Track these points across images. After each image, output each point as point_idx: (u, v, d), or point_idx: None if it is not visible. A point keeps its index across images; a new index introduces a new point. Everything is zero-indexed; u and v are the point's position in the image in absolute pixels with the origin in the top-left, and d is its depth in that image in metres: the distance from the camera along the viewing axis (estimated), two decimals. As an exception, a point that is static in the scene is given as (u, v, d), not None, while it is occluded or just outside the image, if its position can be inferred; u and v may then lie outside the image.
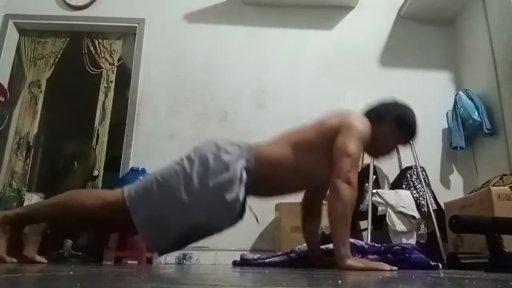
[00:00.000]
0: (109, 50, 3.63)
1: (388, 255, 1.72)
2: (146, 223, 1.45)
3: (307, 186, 1.77)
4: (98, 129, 3.39)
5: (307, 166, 1.58)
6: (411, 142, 1.79)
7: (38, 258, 1.59)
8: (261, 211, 2.87)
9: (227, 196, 1.46)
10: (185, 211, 1.46)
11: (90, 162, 3.13)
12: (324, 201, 1.81)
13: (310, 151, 1.58)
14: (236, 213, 1.52)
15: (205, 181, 1.47)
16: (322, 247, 1.84)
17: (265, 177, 1.57)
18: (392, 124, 1.66)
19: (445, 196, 2.97)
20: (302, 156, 1.58)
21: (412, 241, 2.59)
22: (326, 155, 1.54)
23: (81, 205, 1.51)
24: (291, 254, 2.00)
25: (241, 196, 1.50)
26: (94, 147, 3.30)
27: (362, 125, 1.57)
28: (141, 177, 1.65)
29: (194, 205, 1.46)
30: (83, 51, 3.61)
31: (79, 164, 3.05)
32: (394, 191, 2.87)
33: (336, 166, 1.49)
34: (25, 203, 3.19)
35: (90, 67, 3.58)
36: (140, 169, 3.05)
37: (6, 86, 3.41)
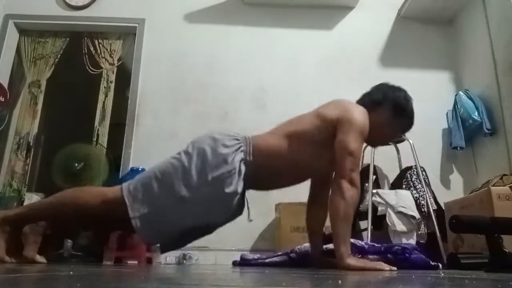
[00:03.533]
0: (109, 50, 3.63)
1: (388, 255, 1.72)
2: (143, 219, 1.44)
3: (307, 177, 1.76)
4: (98, 129, 3.39)
5: (304, 156, 1.58)
6: (407, 131, 1.78)
7: (38, 258, 1.59)
8: (261, 211, 2.88)
9: (226, 189, 1.46)
10: (184, 206, 1.45)
11: (106, 164, 3.10)
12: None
13: (307, 141, 1.57)
14: (235, 206, 1.52)
15: (204, 175, 1.47)
16: (323, 246, 1.83)
17: (263, 169, 1.56)
18: (388, 109, 1.65)
19: (445, 196, 2.97)
20: (299, 147, 1.57)
21: (412, 241, 2.59)
22: (325, 146, 1.54)
23: (80, 203, 1.51)
24: (291, 254, 2.00)
25: (240, 189, 1.49)
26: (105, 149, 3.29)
27: (361, 118, 1.56)
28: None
29: (194, 200, 1.46)
30: (83, 51, 3.61)
31: (93, 165, 3.03)
32: (394, 191, 2.87)
33: (339, 166, 1.49)
34: (25, 203, 3.19)
35: (90, 67, 3.58)
36: (140, 169, 3.05)
37: (6, 86, 3.41)
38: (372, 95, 1.69)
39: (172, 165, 1.52)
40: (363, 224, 2.92)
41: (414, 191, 2.87)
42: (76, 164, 2.96)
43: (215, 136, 1.57)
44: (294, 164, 1.59)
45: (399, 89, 1.71)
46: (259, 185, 1.67)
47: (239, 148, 1.55)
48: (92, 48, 3.62)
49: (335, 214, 1.48)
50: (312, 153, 1.57)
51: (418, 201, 2.80)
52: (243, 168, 1.52)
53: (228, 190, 1.46)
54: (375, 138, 1.67)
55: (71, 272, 0.99)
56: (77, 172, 2.95)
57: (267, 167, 1.57)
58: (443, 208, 2.83)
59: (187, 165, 1.49)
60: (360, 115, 1.57)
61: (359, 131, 1.52)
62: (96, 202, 1.50)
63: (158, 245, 1.61)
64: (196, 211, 1.46)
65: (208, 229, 1.56)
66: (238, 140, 1.58)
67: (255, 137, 1.63)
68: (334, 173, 1.54)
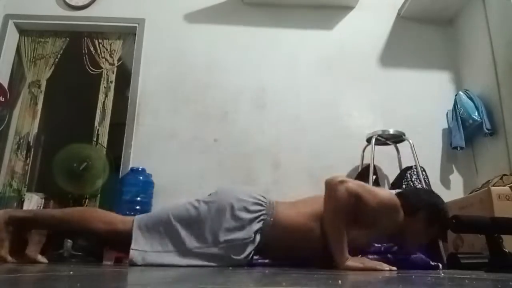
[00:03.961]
0: (109, 50, 3.62)
1: (388, 255, 1.72)
2: (142, 256, 1.44)
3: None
4: (98, 129, 3.39)
5: (325, 238, 1.50)
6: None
7: (40, 258, 1.59)
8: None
9: (234, 256, 1.45)
10: (187, 257, 1.44)
11: (106, 165, 3.09)
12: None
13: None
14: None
15: (216, 234, 1.46)
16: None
17: (279, 242, 1.53)
18: (424, 219, 1.58)
19: (445, 196, 2.94)
20: (321, 229, 1.51)
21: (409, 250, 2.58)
22: (350, 228, 1.47)
23: (89, 227, 1.52)
24: (291, 254, 2.00)
25: (249, 257, 1.48)
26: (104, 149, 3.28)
27: (384, 194, 1.54)
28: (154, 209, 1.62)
29: (199, 256, 1.45)
30: (83, 51, 3.61)
31: (95, 166, 3.02)
32: (394, 191, 2.86)
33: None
34: (25, 203, 3.20)
35: (90, 67, 3.58)
36: (140, 169, 3.05)
37: (6, 86, 3.41)
38: (408, 199, 1.60)
39: (188, 212, 1.51)
40: (363, 224, 2.91)
41: (414, 191, 2.87)
42: (75, 165, 2.95)
43: (240, 197, 1.54)
44: (315, 244, 1.54)
45: (436, 196, 1.68)
46: (268, 253, 1.64)
47: (260, 216, 1.52)
48: (92, 48, 3.62)
49: (327, 217, 1.47)
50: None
51: (418, 201, 2.80)
52: (258, 238, 1.49)
53: (237, 257, 1.45)
54: (406, 240, 1.64)
55: (71, 272, 0.99)
56: (79, 173, 2.95)
57: (284, 241, 1.54)
58: (443, 208, 2.82)
59: (203, 218, 1.48)
60: (384, 192, 1.56)
61: (378, 197, 1.49)
62: (105, 229, 1.51)
63: None
64: (196, 264, 1.44)
65: None
66: (262, 206, 1.55)
67: (278, 206, 1.59)
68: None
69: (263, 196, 1.61)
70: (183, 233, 1.47)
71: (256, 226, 1.50)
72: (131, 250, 1.44)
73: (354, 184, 1.46)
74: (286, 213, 1.57)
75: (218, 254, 1.45)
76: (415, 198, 1.62)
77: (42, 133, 3.97)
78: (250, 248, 1.48)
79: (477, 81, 3.29)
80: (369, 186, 1.52)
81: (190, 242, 1.45)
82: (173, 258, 1.45)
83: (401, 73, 3.55)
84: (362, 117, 3.40)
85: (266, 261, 2.06)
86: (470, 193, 2.78)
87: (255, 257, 1.69)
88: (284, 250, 1.60)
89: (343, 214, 1.45)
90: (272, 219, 1.54)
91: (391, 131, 3.01)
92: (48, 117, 3.88)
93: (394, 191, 1.69)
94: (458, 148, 3.17)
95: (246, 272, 1.17)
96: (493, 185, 2.46)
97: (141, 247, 1.45)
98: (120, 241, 1.54)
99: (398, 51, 3.60)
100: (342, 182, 1.45)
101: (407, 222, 1.55)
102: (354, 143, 3.18)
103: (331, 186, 1.46)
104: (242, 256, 1.46)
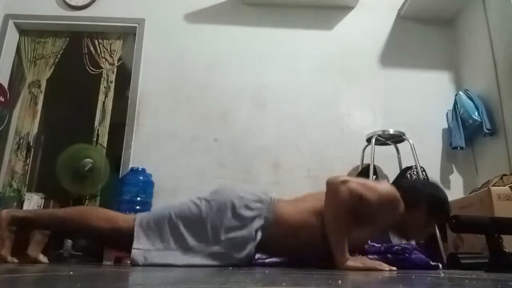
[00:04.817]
0: (109, 50, 3.63)
1: (388, 255, 1.72)
2: (144, 255, 1.43)
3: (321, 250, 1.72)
4: (98, 129, 3.39)
5: (325, 234, 1.49)
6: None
7: (41, 257, 1.59)
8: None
9: (236, 254, 1.45)
10: (189, 256, 1.44)
11: (108, 165, 3.08)
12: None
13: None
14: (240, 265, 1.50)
15: (218, 232, 1.46)
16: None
17: (280, 238, 1.53)
18: (425, 210, 1.57)
19: (445, 196, 2.97)
20: (321, 224, 1.51)
21: (412, 241, 2.59)
22: (350, 224, 1.46)
23: (91, 225, 1.51)
24: (291, 254, 2.00)
25: (250, 254, 1.48)
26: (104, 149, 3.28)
27: (386, 187, 1.51)
28: (156, 207, 1.65)
29: (200, 253, 1.45)
30: (83, 51, 3.61)
31: (98, 166, 3.01)
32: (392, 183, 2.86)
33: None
34: (25, 203, 3.20)
35: (90, 67, 3.58)
36: (140, 169, 3.05)
37: (6, 86, 3.41)
38: (408, 191, 1.58)
39: (189, 210, 1.51)
40: (363, 224, 2.91)
41: (414, 191, 2.87)
42: (80, 166, 2.94)
43: (241, 195, 1.54)
44: (315, 240, 1.53)
45: (436, 187, 1.67)
46: (270, 251, 1.65)
47: (261, 214, 1.52)
48: (92, 48, 3.62)
49: (328, 216, 1.47)
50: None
51: (418, 201, 2.80)
52: (259, 235, 1.50)
53: (238, 255, 1.45)
54: (410, 233, 1.65)
55: (71, 272, 0.99)
56: (84, 174, 2.94)
57: (285, 238, 1.54)
58: (443, 208, 2.82)
59: (204, 216, 1.48)
60: (385, 186, 1.52)
61: (379, 193, 1.46)
62: (107, 227, 1.50)
63: None
64: (199, 263, 1.44)
65: None
66: (263, 204, 1.55)
67: (279, 203, 1.59)
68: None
69: (264, 193, 1.61)
70: (185, 231, 1.47)
71: (257, 223, 1.50)
72: (132, 250, 1.44)
73: (356, 184, 1.45)
74: (286, 209, 1.57)
75: (219, 252, 1.45)
76: (416, 190, 1.62)
77: (42, 133, 3.97)
78: (251, 246, 1.48)
79: (477, 81, 3.29)
80: (370, 182, 1.51)
81: (192, 240, 1.45)
82: (175, 257, 1.45)
83: (401, 73, 3.55)
84: (362, 117, 3.40)
85: (266, 261, 2.06)
86: (470, 193, 2.78)
87: (257, 255, 1.69)
88: (285, 247, 1.59)
89: (345, 215, 1.45)
90: (273, 216, 1.53)
91: (391, 131, 3.01)
92: (48, 117, 3.88)
93: (392, 183, 1.68)
94: (458, 148, 3.17)
95: (246, 272, 1.17)
96: (493, 185, 2.46)
97: (143, 246, 1.45)
98: (121, 240, 1.54)
99: (398, 51, 3.60)
100: (344, 182, 1.44)
101: (408, 214, 1.54)
102: (354, 143, 3.18)
103: (333, 186, 1.46)
104: (244, 253, 1.46)
